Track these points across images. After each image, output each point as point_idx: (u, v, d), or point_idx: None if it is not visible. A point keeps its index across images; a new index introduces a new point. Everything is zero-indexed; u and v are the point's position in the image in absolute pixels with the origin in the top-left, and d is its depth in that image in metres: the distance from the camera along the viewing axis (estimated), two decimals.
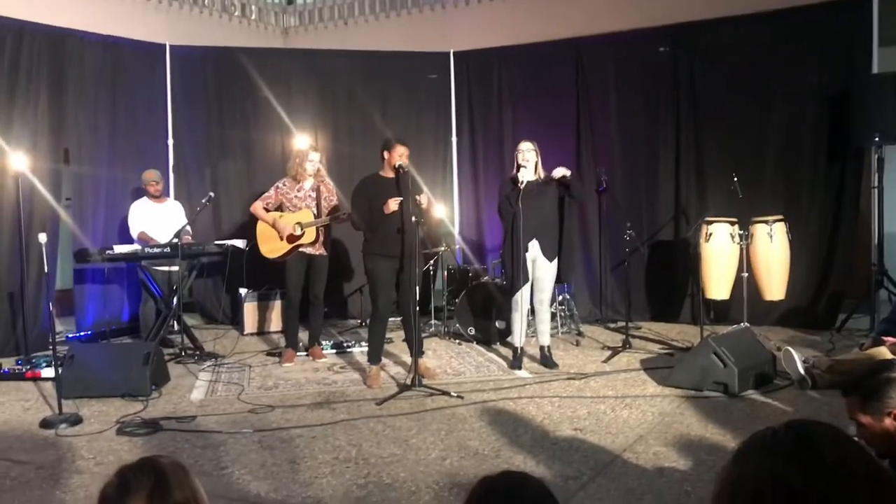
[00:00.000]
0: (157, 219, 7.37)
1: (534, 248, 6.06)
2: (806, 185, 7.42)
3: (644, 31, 8.03)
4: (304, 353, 6.73)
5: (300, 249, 6.49)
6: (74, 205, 7.68)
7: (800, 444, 1.27)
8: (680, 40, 7.88)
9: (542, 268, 6.08)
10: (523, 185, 5.90)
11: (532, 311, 6.37)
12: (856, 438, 2.60)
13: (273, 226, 6.47)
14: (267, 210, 6.56)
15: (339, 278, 8.72)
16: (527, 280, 6.05)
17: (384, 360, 6.17)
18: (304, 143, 7.01)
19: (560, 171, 6.00)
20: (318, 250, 6.57)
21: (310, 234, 6.46)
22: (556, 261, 6.12)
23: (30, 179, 6.84)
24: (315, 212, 6.53)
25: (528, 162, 6.04)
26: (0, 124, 6.87)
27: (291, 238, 6.45)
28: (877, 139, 6.78)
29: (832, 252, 7.30)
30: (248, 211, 6.89)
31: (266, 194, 6.64)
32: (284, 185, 6.60)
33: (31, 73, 7.09)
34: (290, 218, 6.47)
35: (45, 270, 5.05)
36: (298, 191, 6.56)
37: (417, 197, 5.60)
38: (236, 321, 8.19)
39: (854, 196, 7.21)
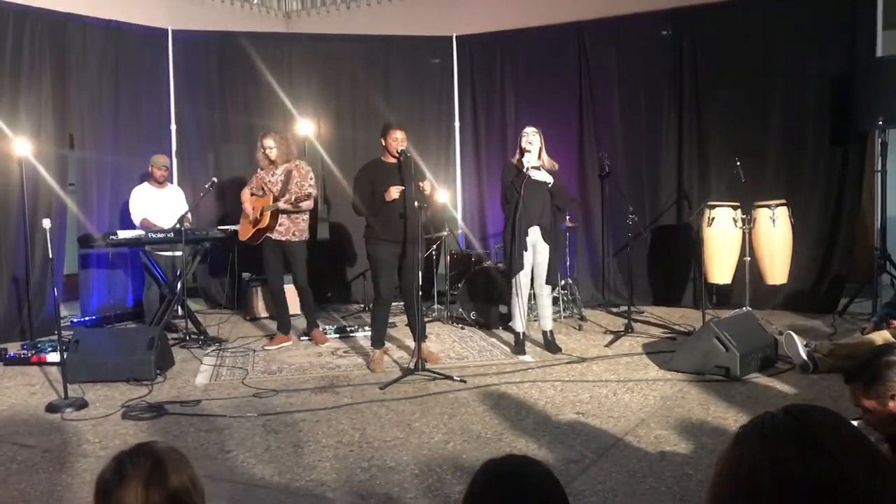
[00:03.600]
0: (159, 204, 7.38)
1: (534, 234, 6.05)
2: (809, 169, 7.40)
3: (647, 14, 8.00)
4: (307, 339, 6.75)
5: (268, 235, 6.50)
6: (79, 190, 7.70)
7: (797, 428, 1.28)
8: (682, 24, 7.84)
9: (541, 252, 6.08)
10: (528, 170, 5.89)
11: (533, 297, 6.38)
12: (854, 422, 2.62)
13: (243, 209, 6.61)
14: (254, 195, 6.65)
15: (343, 263, 8.76)
16: (522, 267, 6.05)
17: (387, 345, 6.20)
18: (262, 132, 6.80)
19: (540, 175, 5.97)
20: (287, 236, 6.49)
21: (264, 220, 6.43)
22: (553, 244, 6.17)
23: (34, 165, 6.86)
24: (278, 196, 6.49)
25: (533, 146, 5.99)
26: (5, 109, 6.88)
27: (254, 222, 6.52)
28: (880, 123, 6.76)
29: (835, 236, 7.30)
30: None
31: (251, 179, 6.77)
32: (262, 170, 6.65)
33: (33, 58, 7.10)
34: (259, 203, 6.55)
35: (50, 255, 5.05)
36: (272, 175, 6.56)
37: (420, 183, 5.60)
38: (240, 306, 8.22)
39: (857, 180, 7.20)
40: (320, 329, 6.81)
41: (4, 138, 6.78)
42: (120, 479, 1.55)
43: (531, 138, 6.01)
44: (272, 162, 6.53)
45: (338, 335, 6.93)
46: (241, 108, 8.68)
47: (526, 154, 5.98)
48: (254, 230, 6.52)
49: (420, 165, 6.00)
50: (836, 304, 7.16)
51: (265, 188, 6.56)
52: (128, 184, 7.71)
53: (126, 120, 8.00)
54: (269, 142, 6.52)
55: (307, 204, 6.48)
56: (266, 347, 6.54)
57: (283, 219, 6.45)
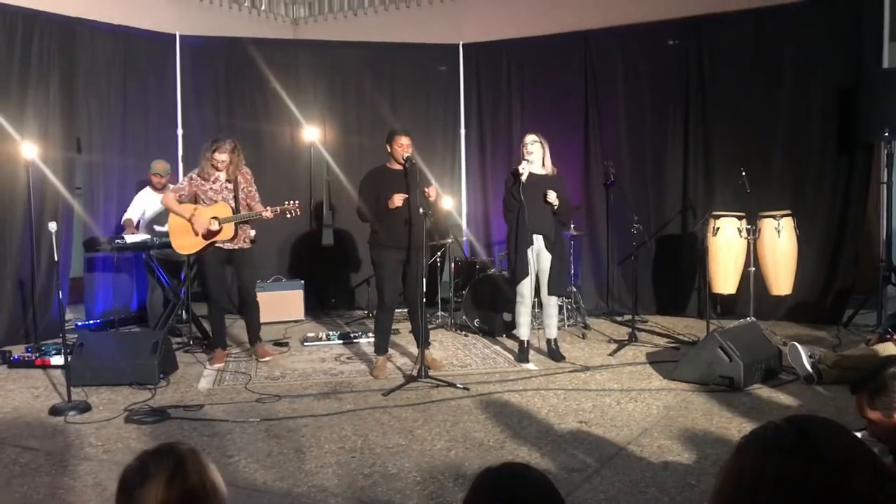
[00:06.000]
0: (160, 209, 7.37)
1: (538, 242, 6.04)
2: (814, 179, 7.39)
3: (653, 24, 8.02)
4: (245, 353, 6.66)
5: (216, 245, 6.13)
6: (85, 193, 7.73)
7: (800, 439, 1.28)
8: (689, 34, 7.84)
9: (545, 261, 6.07)
10: (524, 177, 5.89)
11: (539, 304, 6.37)
12: (858, 433, 2.61)
13: (189, 220, 6.04)
14: (180, 202, 6.15)
15: (347, 269, 8.77)
16: (526, 273, 6.04)
17: (391, 351, 6.20)
18: (211, 141, 6.28)
19: (551, 197, 5.93)
20: (237, 244, 6.16)
21: (228, 230, 6.08)
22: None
23: (41, 168, 6.89)
24: (232, 205, 6.14)
25: (532, 155, 6.01)
26: (13, 112, 6.91)
27: (208, 234, 6.06)
28: (886, 134, 6.74)
29: (840, 247, 7.28)
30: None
31: (179, 185, 6.22)
32: (198, 176, 6.15)
33: (42, 62, 7.13)
34: (206, 212, 6.07)
35: (56, 259, 5.07)
36: (214, 182, 6.13)
37: (426, 189, 5.59)
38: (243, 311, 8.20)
39: (862, 191, 7.17)
40: (263, 343, 6.52)
41: (12, 141, 6.82)
42: (142, 477, 1.58)
43: (531, 147, 6.02)
44: (213, 174, 6.12)
45: (341, 341, 6.93)
46: (247, 114, 8.70)
47: (524, 163, 5.96)
48: (208, 242, 6.08)
49: (425, 172, 5.98)
50: (841, 315, 7.14)
51: (205, 196, 6.11)
52: (134, 188, 7.74)
53: (133, 124, 8.03)
54: (221, 155, 6.06)
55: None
56: (214, 365, 6.11)
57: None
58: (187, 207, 6.11)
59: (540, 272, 6.11)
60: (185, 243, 6.14)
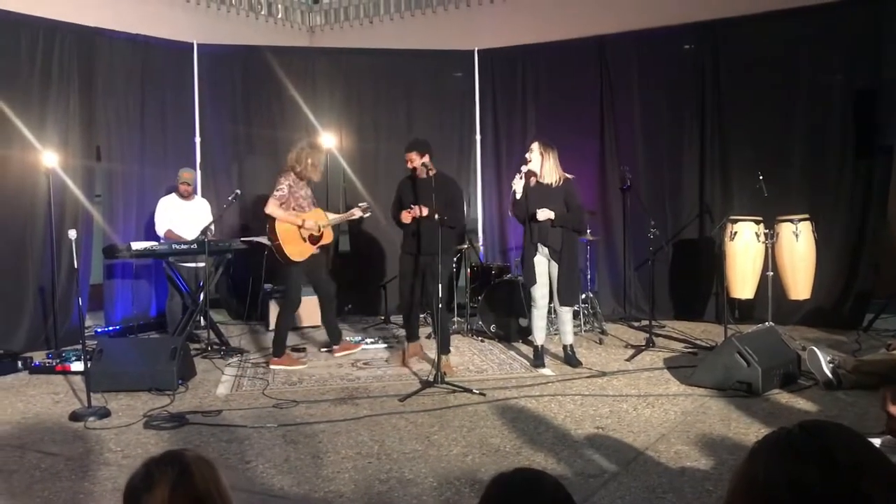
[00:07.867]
0: (184, 216, 7.45)
1: (544, 250, 6.05)
2: (833, 183, 7.33)
3: (669, 28, 8.00)
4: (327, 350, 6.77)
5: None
6: (105, 201, 7.80)
7: (812, 444, 1.28)
8: (705, 38, 7.83)
9: (554, 269, 6.06)
10: (518, 194, 5.98)
11: (554, 311, 6.37)
12: (877, 440, 2.59)
13: (302, 227, 6.20)
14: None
15: (364, 274, 8.79)
16: (534, 281, 6.05)
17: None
18: (314, 143, 6.65)
19: (541, 216, 5.88)
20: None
21: (328, 235, 6.41)
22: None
23: (61, 176, 6.97)
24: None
25: (531, 164, 6.01)
26: (34, 122, 6.99)
27: (314, 239, 6.31)
28: None
29: (859, 251, 7.22)
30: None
31: (280, 194, 6.13)
32: (293, 183, 6.22)
33: (62, 71, 7.22)
34: (310, 217, 6.27)
35: (76, 266, 5.13)
36: (301, 189, 6.27)
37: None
38: (262, 317, 8.26)
39: (882, 195, 7.12)
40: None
41: (32, 150, 6.90)
42: (148, 484, 1.59)
43: (529, 156, 6.05)
44: (316, 177, 6.37)
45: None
46: (264, 121, 8.77)
47: (516, 178, 6.03)
48: (315, 247, 6.31)
49: (447, 185, 6.00)
50: (861, 319, 7.08)
51: (296, 203, 6.20)
52: (153, 195, 7.80)
53: (152, 132, 8.11)
54: (322, 157, 6.45)
55: None
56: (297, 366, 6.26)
57: None
58: (297, 215, 6.20)
59: (552, 280, 6.11)
60: (297, 250, 6.23)
